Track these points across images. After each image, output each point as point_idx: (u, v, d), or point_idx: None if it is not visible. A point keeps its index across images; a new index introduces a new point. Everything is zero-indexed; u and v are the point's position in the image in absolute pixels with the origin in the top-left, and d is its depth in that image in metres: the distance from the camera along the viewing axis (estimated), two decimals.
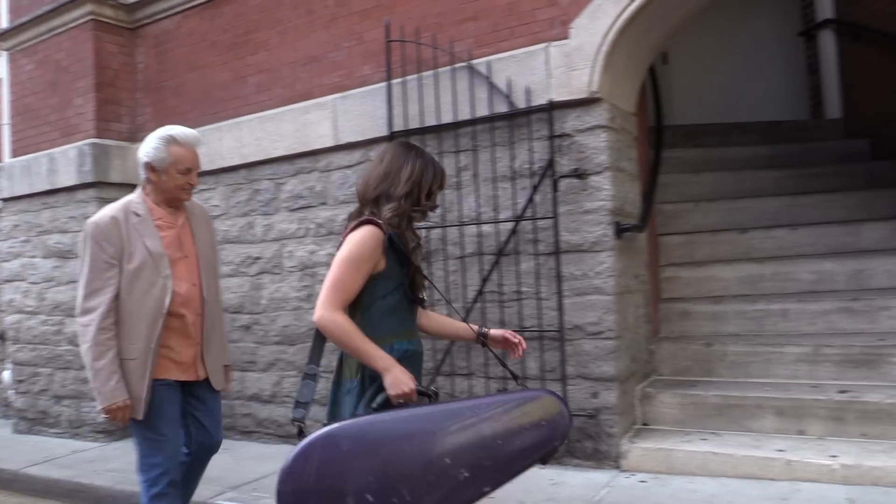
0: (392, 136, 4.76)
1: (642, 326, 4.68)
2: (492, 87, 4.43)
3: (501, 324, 4.42)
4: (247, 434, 5.39)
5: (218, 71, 5.80)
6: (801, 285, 5.08)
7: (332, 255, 5.01)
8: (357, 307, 2.38)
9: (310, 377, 2.32)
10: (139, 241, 2.96)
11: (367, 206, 2.46)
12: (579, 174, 4.16)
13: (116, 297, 2.91)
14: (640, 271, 4.68)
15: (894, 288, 4.91)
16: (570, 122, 4.24)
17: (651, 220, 4.95)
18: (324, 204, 5.20)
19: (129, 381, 2.90)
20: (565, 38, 4.25)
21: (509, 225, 4.40)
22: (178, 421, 3.05)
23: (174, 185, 3.04)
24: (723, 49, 7.69)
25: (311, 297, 5.22)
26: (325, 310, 2.28)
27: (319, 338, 2.36)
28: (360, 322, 2.35)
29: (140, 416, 2.91)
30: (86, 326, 2.89)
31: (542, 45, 4.32)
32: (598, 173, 4.17)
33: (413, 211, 2.46)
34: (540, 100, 4.28)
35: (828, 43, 7.27)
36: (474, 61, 4.51)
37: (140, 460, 2.99)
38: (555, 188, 4.22)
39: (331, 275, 2.34)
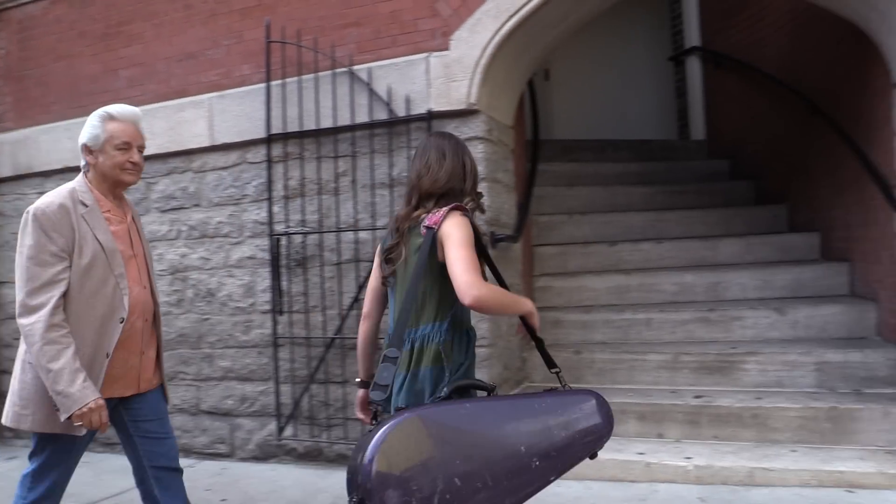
0: (270, 139, 4.67)
1: (515, 335, 4.79)
2: (372, 93, 4.43)
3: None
4: (109, 446, 5.11)
5: (87, 62, 5.49)
6: (664, 296, 5.36)
7: (205, 259, 4.97)
8: (451, 295, 2.28)
9: (390, 360, 2.25)
10: (89, 234, 2.60)
11: (432, 200, 2.43)
12: None
13: (65, 294, 2.53)
14: (514, 280, 4.79)
15: (746, 299, 5.27)
16: (448, 131, 4.29)
17: (526, 231, 5.08)
18: (197, 206, 5.02)
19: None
20: (446, 49, 4.31)
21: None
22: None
23: (112, 163, 2.69)
24: (601, 69, 8.05)
25: (181, 303, 5.03)
26: (479, 288, 2.18)
27: (401, 324, 2.31)
28: (457, 308, 2.37)
29: (83, 433, 2.55)
30: (32, 326, 2.49)
31: (423, 55, 4.36)
32: None
33: (478, 203, 2.53)
34: (419, 109, 4.32)
35: (694, 68, 7.75)
36: (356, 67, 4.49)
37: (32, 474, 2.63)
38: None
39: (458, 255, 2.23)
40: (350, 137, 4.53)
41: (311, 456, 4.65)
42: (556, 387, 2.44)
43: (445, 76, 4.28)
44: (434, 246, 2.32)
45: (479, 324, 4.21)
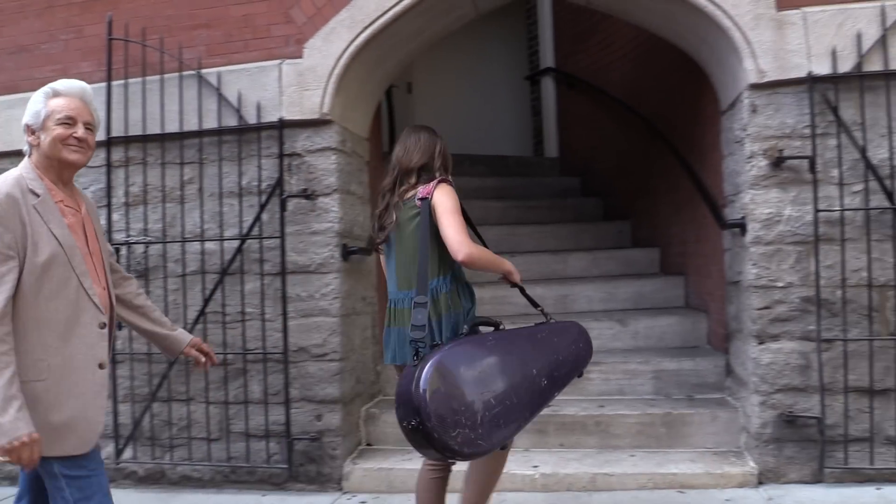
0: (110, 142, 4.38)
1: (369, 348, 4.75)
2: (222, 99, 4.26)
3: (224, 346, 4.23)
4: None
5: None
6: (516, 308, 5.43)
7: None
8: (448, 254, 2.75)
9: (421, 305, 2.65)
10: (43, 228, 2.25)
11: (412, 174, 2.93)
12: (308, 195, 4.13)
13: (12, 299, 2.17)
14: (368, 293, 4.76)
15: (592, 311, 5.50)
16: (300, 141, 4.21)
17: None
18: None
19: (38, 409, 2.15)
20: (299, 57, 4.22)
21: (235, 243, 4.23)
22: None
23: (52, 138, 2.33)
24: (462, 84, 8.20)
25: None
26: (468, 247, 2.69)
27: (423, 273, 2.72)
28: (455, 265, 2.83)
29: (68, 451, 2.21)
30: None
31: (276, 62, 4.25)
32: (326, 195, 4.17)
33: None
34: (271, 117, 4.20)
35: (549, 88, 8.05)
36: (205, 71, 4.31)
37: None
38: (283, 207, 4.14)
39: (450, 221, 2.70)
40: (197, 143, 4.32)
41: (153, 479, 4.38)
42: (543, 321, 3.07)
43: (298, 84, 4.19)
44: (430, 213, 2.73)
45: (330, 338, 4.15)
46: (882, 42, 3.65)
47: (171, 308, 4.34)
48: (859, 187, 3.69)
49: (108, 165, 4.41)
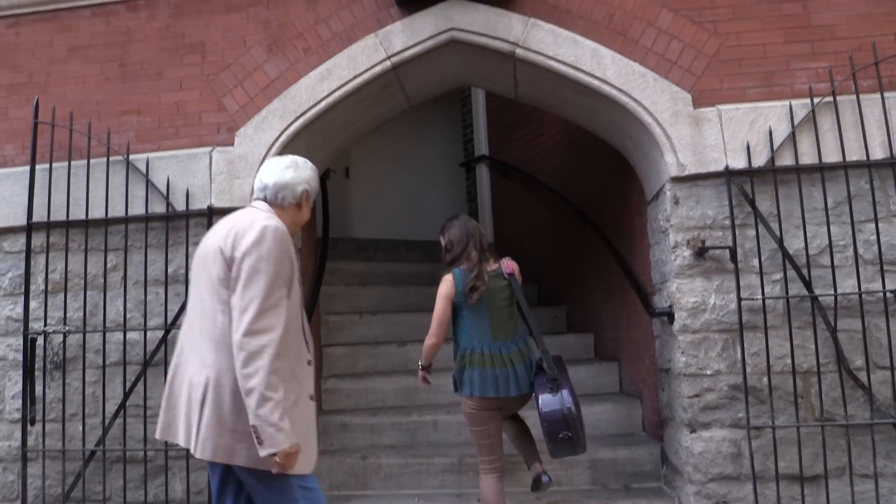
0: (31, 227, 4.24)
1: None
2: (150, 185, 4.19)
3: (144, 441, 4.02)
4: None
5: None
6: (451, 397, 5.37)
7: None
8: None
9: (545, 353, 3.68)
10: (296, 267, 2.55)
11: (486, 251, 3.75)
12: None
13: None
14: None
15: None
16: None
17: (314, 333, 4.94)
18: None
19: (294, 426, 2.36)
20: (231, 144, 4.22)
21: (159, 333, 4.09)
22: None
23: (303, 220, 2.76)
24: (399, 170, 8.30)
25: None
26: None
27: (537, 331, 3.80)
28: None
29: (303, 470, 2.43)
30: (263, 347, 2.29)
31: (207, 149, 4.23)
32: None
33: None
34: (200, 204, 4.15)
35: (483, 175, 8.21)
36: (134, 156, 4.25)
37: None
38: None
39: (523, 295, 3.78)
40: (123, 230, 4.22)
41: None
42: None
43: (229, 172, 4.17)
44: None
45: None
46: (792, 138, 3.86)
47: (89, 401, 4.14)
48: (778, 276, 3.81)
49: (28, 251, 4.24)
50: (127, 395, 4.08)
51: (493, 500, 3.70)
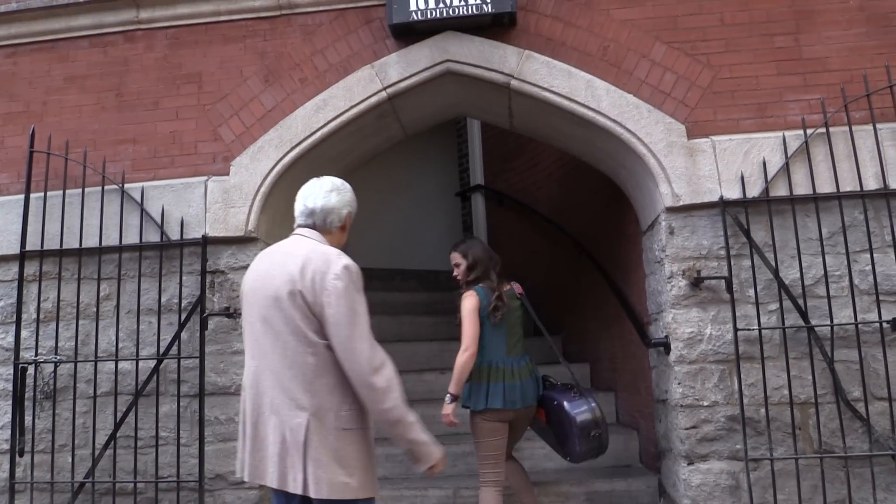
0: (24, 256, 4.21)
1: None
2: (144, 214, 4.19)
3: (135, 473, 3.96)
4: None
5: None
6: (445, 428, 5.32)
7: None
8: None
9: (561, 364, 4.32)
10: None
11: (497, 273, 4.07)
12: (230, 313, 4.03)
13: None
14: None
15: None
16: (224, 258, 4.14)
17: None
18: None
19: (368, 453, 2.54)
20: (226, 174, 4.22)
21: (151, 363, 4.06)
22: None
23: (343, 242, 2.75)
24: (395, 199, 8.29)
25: None
26: None
27: (524, 349, 4.08)
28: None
29: (376, 493, 2.57)
30: (390, 381, 2.44)
31: (202, 179, 4.23)
32: None
33: None
34: (195, 233, 4.14)
35: (479, 205, 8.22)
36: (129, 185, 4.25)
37: None
38: (204, 326, 4.01)
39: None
40: (117, 259, 4.20)
41: None
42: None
43: (224, 201, 4.17)
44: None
45: None
46: (786, 168, 3.88)
47: (79, 432, 4.09)
48: (774, 306, 3.80)
49: (21, 279, 4.22)
50: (118, 425, 4.03)
51: (521, 479, 4.06)
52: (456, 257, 4.10)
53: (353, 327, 2.42)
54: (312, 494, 2.42)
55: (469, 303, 3.84)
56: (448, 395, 3.85)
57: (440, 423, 5.25)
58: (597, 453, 3.93)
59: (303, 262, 2.48)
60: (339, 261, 2.47)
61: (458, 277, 4.08)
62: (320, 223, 2.65)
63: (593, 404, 3.85)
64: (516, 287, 4.10)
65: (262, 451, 2.51)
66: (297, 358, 2.45)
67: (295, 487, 2.43)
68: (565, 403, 3.83)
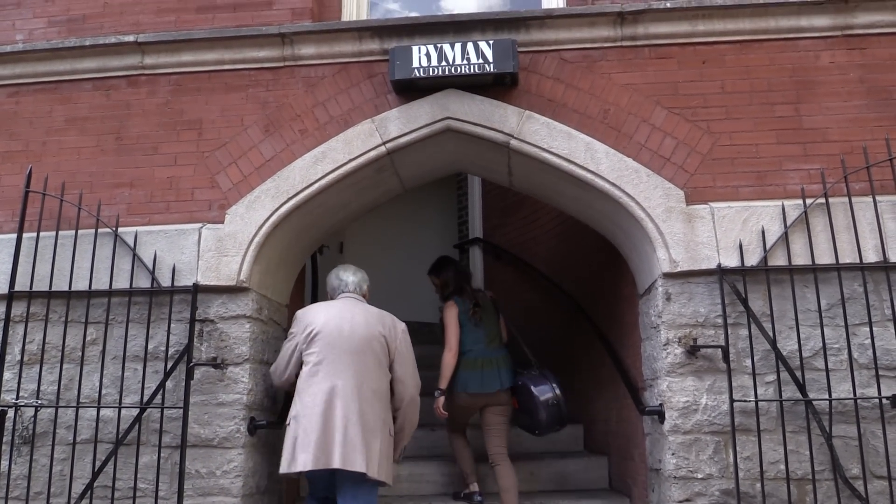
0: (11, 296, 4.15)
1: None
2: (136, 258, 4.14)
3: None
4: None
5: None
6: (435, 487, 5.23)
7: None
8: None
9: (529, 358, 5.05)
10: None
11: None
12: (217, 364, 3.95)
13: None
14: (276, 470, 4.45)
15: None
16: (214, 307, 4.09)
17: None
18: None
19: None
20: (221, 222, 4.19)
21: (133, 411, 3.96)
22: None
23: None
24: (394, 248, 8.27)
25: None
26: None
27: (501, 343, 4.98)
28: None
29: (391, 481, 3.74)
30: (418, 398, 3.94)
31: (197, 226, 4.20)
32: (237, 364, 4.00)
33: None
34: (186, 280, 4.09)
35: (477, 258, 8.18)
36: (123, 229, 4.22)
37: None
38: (190, 375, 3.93)
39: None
40: (105, 303, 4.14)
41: None
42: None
43: (217, 250, 4.12)
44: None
45: None
46: (785, 238, 3.85)
47: (55, 480, 3.97)
48: (772, 377, 3.73)
49: (7, 321, 4.15)
50: (95, 475, 3.92)
51: (462, 443, 4.94)
52: (432, 279, 5.18)
53: (409, 361, 3.92)
54: (373, 474, 3.50)
55: (449, 311, 4.78)
56: (437, 391, 4.68)
57: (428, 481, 5.17)
58: (557, 423, 4.70)
59: (380, 317, 3.89)
60: (395, 319, 3.97)
61: (438, 294, 5.10)
62: (362, 291, 4.10)
63: (553, 383, 4.71)
64: (489, 293, 5.11)
65: (330, 445, 3.49)
66: (381, 383, 3.75)
67: (360, 467, 3.46)
68: (529, 383, 4.70)
